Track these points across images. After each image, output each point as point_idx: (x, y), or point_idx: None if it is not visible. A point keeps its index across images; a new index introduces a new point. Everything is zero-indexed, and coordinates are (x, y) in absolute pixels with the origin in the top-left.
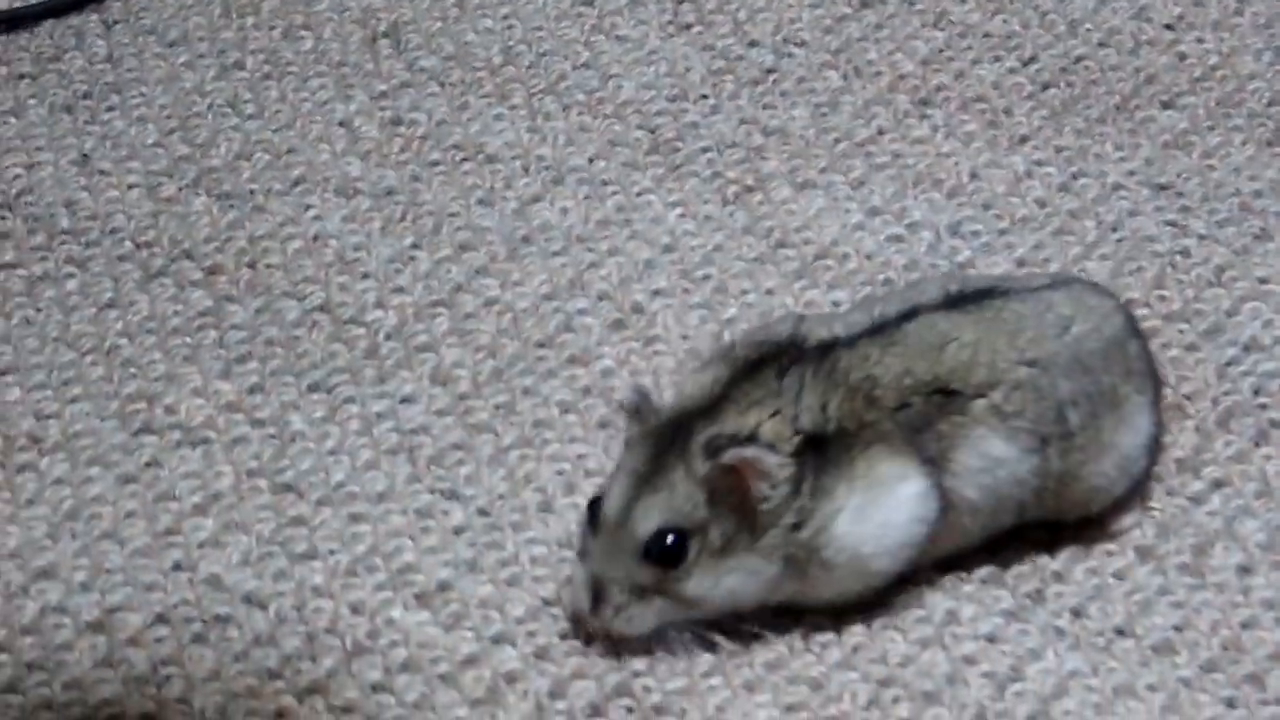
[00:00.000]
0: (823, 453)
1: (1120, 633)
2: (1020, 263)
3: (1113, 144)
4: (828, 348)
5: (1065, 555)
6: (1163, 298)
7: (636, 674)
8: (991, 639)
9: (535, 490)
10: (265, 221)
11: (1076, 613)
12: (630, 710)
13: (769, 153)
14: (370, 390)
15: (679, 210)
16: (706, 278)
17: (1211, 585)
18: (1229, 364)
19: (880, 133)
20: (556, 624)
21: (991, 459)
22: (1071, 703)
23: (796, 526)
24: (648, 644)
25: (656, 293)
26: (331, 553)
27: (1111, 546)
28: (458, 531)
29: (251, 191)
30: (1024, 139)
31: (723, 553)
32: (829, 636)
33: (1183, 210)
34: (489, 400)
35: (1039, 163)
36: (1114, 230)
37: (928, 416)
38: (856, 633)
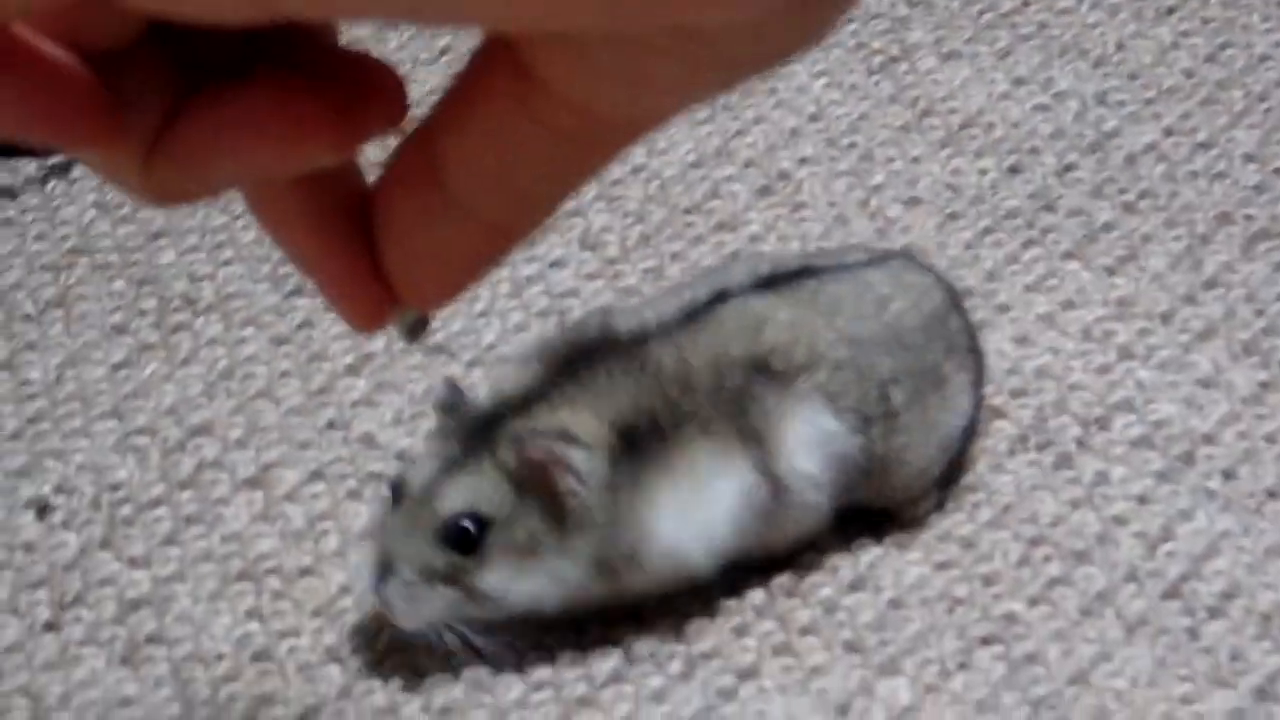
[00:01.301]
0: (639, 450)
1: (1271, 495)
2: (1168, 131)
3: (1259, 15)
4: (639, 340)
5: (1215, 419)
6: None
7: None
8: (1142, 500)
9: None
10: None
11: (1227, 475)
12: (781, 566)
13: (914, 24)
14: (520, 255)
15: (824, 79)
16: (852, 146)
17: None
18: None
19: (1025, 4)
20: None
21: (821, 433)
22: (1222, 562)
23: (611, 530)
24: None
25: (802, 160)
26: None
27: (1262, 409)
28: None
29: None
30: (1170, 10)
31: (526, 551)
32: (980, 496)
33: None
34: (637, 265)
35: (1185, 34)
36: (1261, 100)
37: (750, 396)
38: (1007, 493)
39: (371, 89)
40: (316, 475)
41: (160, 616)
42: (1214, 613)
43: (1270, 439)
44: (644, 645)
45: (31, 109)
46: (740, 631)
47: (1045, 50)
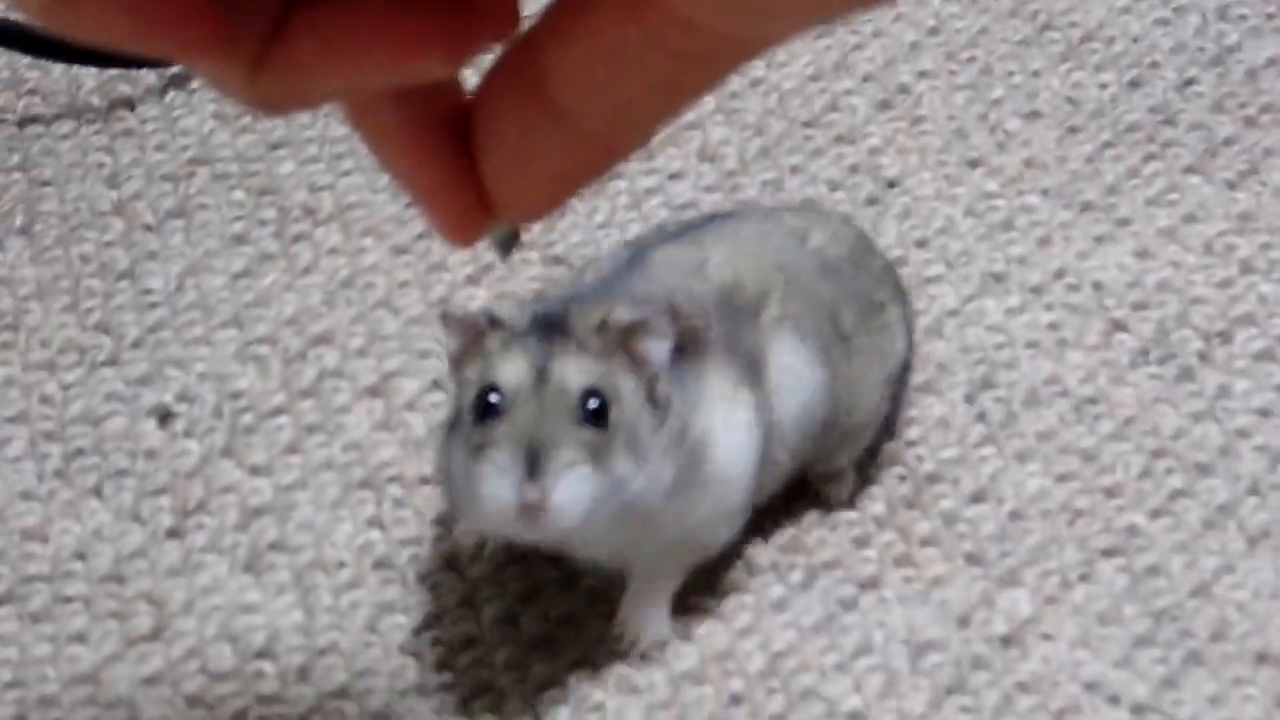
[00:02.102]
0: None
1: None
2: None
3: None
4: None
5: None
6: None
7: (909, 443)
8: (1264, 413)
9: None
10: None
11: None
12: (903, 479)
13: None
14: (638, 167)
15: None
16: (971, 59)
17: None
18: None
19: None
20: None
21: (795, 371)
22: None
23: (681, 435)
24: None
25: (922, 74)
26: None
27: None
28: None
29: None
30: None
31: (635, 434)
32: (1100, 409)
33: None
34: (756, 177)
35: None
36: None
37: (731, 332)
38: (1129, 406)
39: None
40: (436, 385)
41: (282, 524)
42: None
43: None
44: (765, 555)
45: (140, 19)
46: (861, 542)
47: None
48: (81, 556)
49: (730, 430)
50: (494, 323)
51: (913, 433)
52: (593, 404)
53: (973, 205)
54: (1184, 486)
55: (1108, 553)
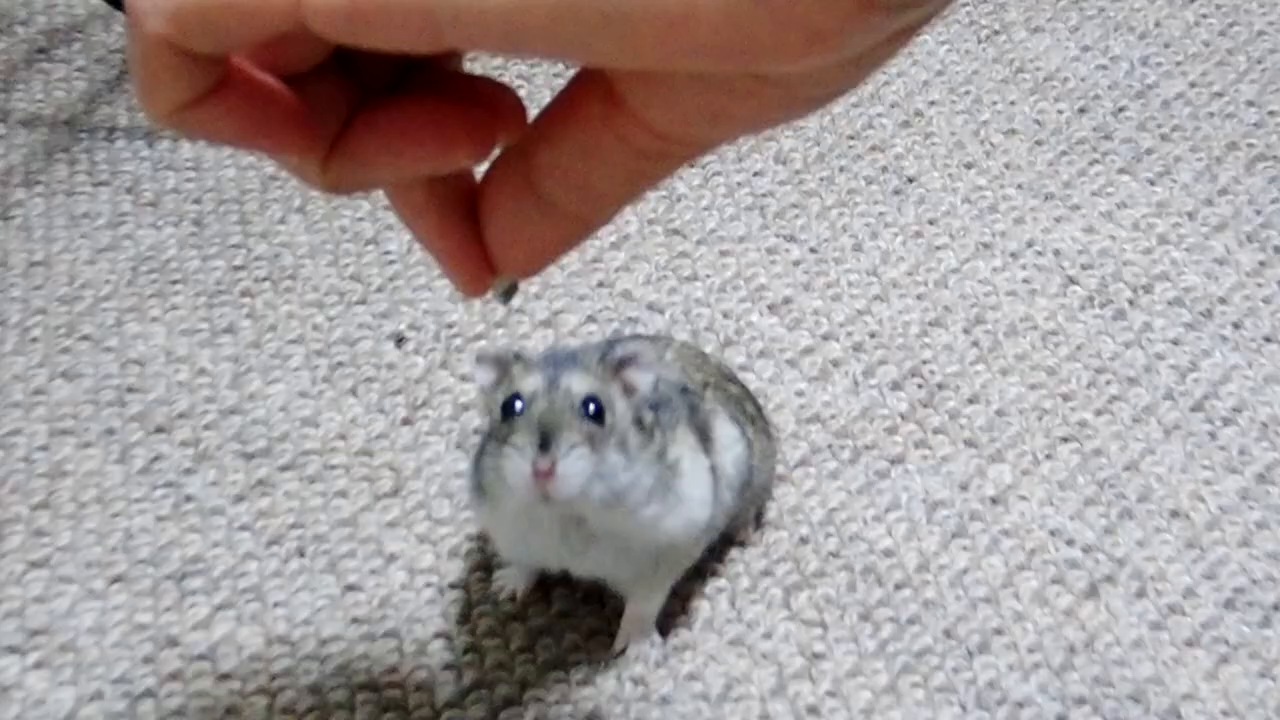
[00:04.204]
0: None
1: (1268, 339)
2: (1191, 84)
3: (1257, 2)
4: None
5: (1227, 285)
6: None
7: (924, 362)
8: (1175, 342)
9: (849, 236)
10: None
11: (1236, 325)
12: (920, 386)
13: (1010, 6)
14: (732, 166)
15: (946, 46)
16: (967, 93)
17: None
18: None
19: None
20: (868, 325)
21: (730, 437)
22: (1233, 387)
23: (660, 455)
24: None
25: (932, 102)
26: (707, 276)
27: (1260, 280)
28: (795, 263)
29: None
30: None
31: (624, 441)
32: (1059, 339)
33: None
34: (815, 174)
35: (1204, 15)
36: (1259, 63)
37: (692, 407)
38: (1079, 336)
39: (498, 107)
40: (590, 319)
41: (483, 417)
42: (1227, 421)
43: (1266, 300)
44: (822, 438)
45: (249, 123)
46: (891, 431)
47: (1104, 26)
48: (343, 437)
49: (695, 465)
50: (518, 357)
51: (926, 354)
52: (592, 407)
53: (968, 195)
54: (1118, 393)
55: (1065, 439)
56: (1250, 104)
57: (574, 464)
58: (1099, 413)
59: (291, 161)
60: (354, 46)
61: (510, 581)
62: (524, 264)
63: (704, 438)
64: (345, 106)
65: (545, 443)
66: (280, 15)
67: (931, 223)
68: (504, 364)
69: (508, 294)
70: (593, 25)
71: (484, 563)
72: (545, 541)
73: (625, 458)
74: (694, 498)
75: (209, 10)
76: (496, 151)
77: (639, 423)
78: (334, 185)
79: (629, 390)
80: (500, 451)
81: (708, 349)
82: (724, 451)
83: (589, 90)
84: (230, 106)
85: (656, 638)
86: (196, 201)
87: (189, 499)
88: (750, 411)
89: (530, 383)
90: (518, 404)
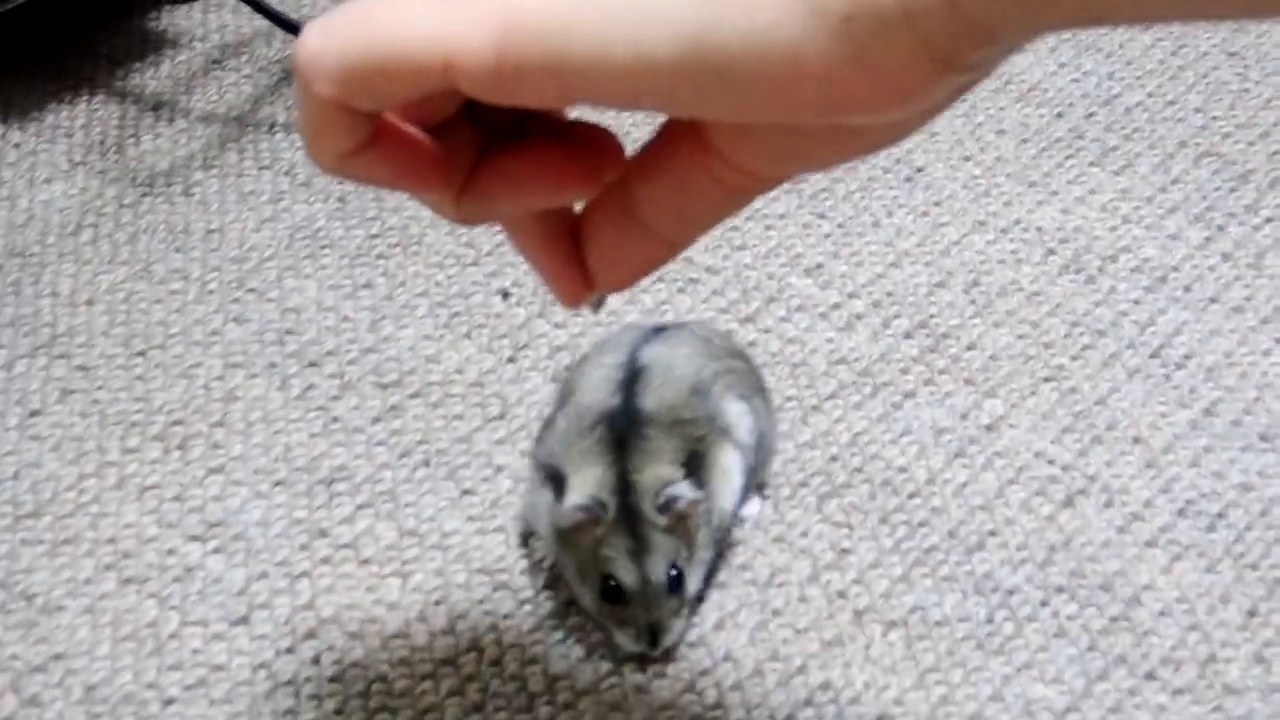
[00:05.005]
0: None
1: (1214, 300)
2: (1150, 95)
3: (1204, 30)
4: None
5: (1180, 255)
6: None
7: (930, 316)
8: (1136, 302)
9: (869, 214)
10: None
11: (1187, 289)
12: (928, 335)
13: None
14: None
15: None
16: (964, 100)
17: None
18: None
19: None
20: (885, 286)
21: (738, 411)
22: (1186, 335)
23: (709, 515)
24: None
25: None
26: (754, 245)
27: (1207, 251)
28: (825, 236)
29: None
30: (1150, 27)
31: (691, 560)
32: (1041, 299)
33: None
34: (841, 165)
35: (1160, 38)
36: (1204, 78)
37: (713, 408)
38: (1058, 296)
39: (601, 150)
40: (659, 279)
41: (571, 355)
42: (1179, 366)
43: (1211, 269)
44: (849, 375)
45: (399, 168)
46: (904, 371)
47: (1077, 46)
48: (459, 372)
49: (728, 465)
50: (591, 512)
51: (932, 310)
52: (673, 573)
53: (966, 183)
54: (1090, 343)
55: (1046, 379)
56: (1197, 110)
57: (673, 635)
58: (1074, 358)
59: (431, 199)
60: (491, 103)
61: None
62: (621, 281)
63: (722, 423)
64: (474, 151)
65: (653, 634)
66: (434, 77)
67: (936, 205)
68: (580, 519)
69: (598, 304)
70: (708, 87)
71: None
72: None
73: (696, 578)
74: (728, 494)
75: (369, 73)
76: None
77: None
78: (465, 218)
79: (687, 536)
80: (611, 625)
81: (754, 305)
82: (737, 427)
83: (681, 134)
84: (384, 155)
85: (693, 618)
86: (340, 183)
87: (336, 420)
88: (755, 384)
89: (626, 574)
90: (617, 592)
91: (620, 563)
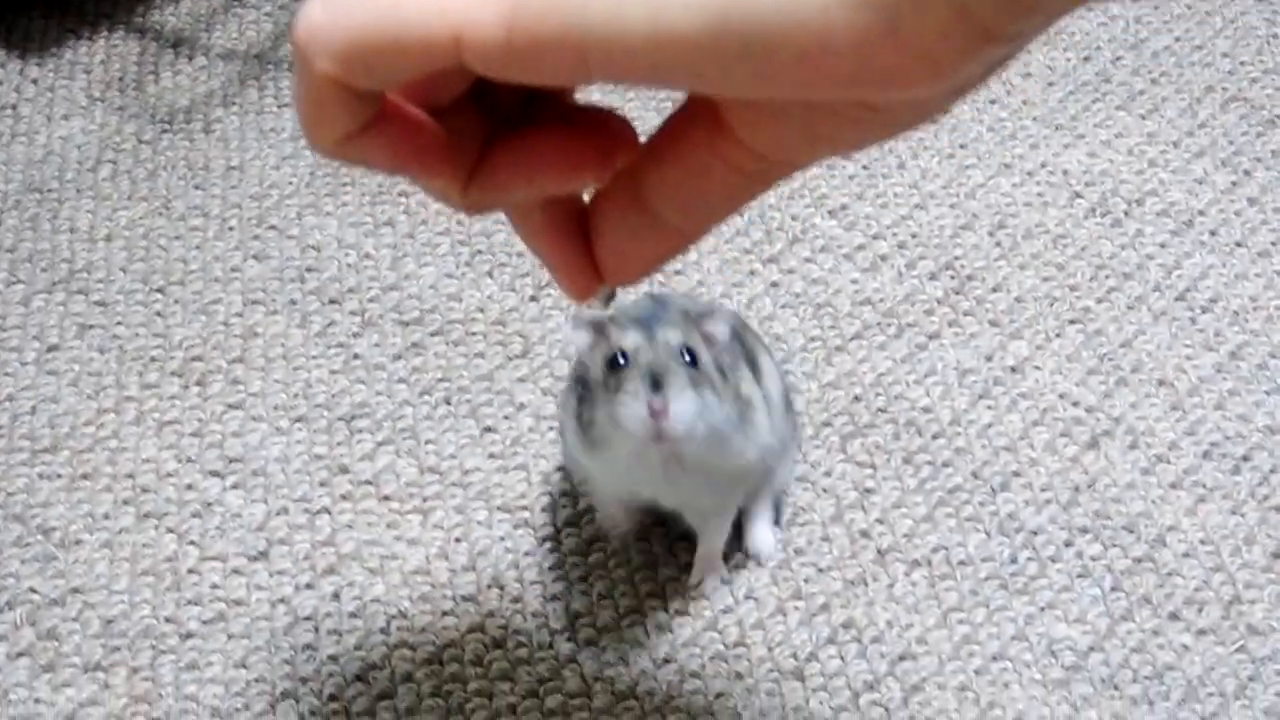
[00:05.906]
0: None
1: (1239, 244)
2: (1176, 39)
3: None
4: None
5: (1207, 199)
6: None
7: (956, 257)
8: (1163, 245)
9: (894, 156)
10: None
11: (1213, 232)
12: (953, 278)
13: None
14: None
15: None
16: None
17: None
18: None
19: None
20: (910, 228)
21: (772, 369)
22: (1211, 279)
23: (736, 392)
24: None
25: None
26: (779, 185)
27: (1234, 196)
28: (850, 177)
29: None
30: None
31: (711, 380)
32: (1067, 241)
33: None
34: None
35: (1189, 6)
36: (1233, 23)
37: (746, 351)
38: (1084, 240)
39: (614, 133)
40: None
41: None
42: (1204, 309)
43: (1237, 213)
44: (873, 317)
45: (403, 151)
46: (929, 312)
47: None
48: (481, 310)
49: (758, 398)
50: (613, 319)
51: (958, 252)
52: (688, 355)
53: (992, 125)
54: (1115, 286)
55: (1071, 321)
56: (1225, 55)
57: (684, 404)
58: (1099, 301)
59: (437, 185)
60: (503, 81)
61: (613, 523)
62: (630, 274)
63: (755, 370)
64: (481, 136)
65: (656, 386)
66: (441, 52)
67: (963, 147)
68: (600, 326)
69: (608, 298)
70: (733, 60)
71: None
72: (648, 477)
73: (716, 395)
74: (764, 425)
75: (374, 49)
76: None
77: (719, 367)
78: (472, 206)
79: (709, 340)
80: (614, 400)
81: (778, 246)
82: (769, 381)
83: (695, 117)
84: (387, 138)
85: (725, 573)
86: None
87: (356, 357)
88: (769, 350)
89: (631, 339)
90: (621, 358)
91: (626, 335)
